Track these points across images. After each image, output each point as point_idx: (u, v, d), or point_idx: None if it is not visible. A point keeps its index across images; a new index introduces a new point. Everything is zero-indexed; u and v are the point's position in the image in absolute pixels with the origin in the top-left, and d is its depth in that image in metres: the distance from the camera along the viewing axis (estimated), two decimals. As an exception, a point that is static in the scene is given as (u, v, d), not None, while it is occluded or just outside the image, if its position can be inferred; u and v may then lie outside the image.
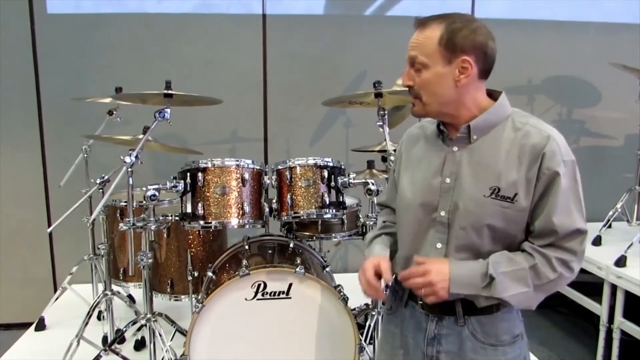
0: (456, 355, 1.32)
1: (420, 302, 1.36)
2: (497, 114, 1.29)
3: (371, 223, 2.15)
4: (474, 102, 1.29)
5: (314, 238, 2.36)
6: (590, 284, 2.85)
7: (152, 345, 2.06)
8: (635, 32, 3.59)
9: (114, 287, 2.56)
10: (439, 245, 1.31)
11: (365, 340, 2.19)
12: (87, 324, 2.37)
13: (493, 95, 1.32)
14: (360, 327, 2.28)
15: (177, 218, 2.11)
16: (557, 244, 1.22)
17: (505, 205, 1.23)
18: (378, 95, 2.21)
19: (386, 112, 2.21)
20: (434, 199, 1.31)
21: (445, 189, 1.30)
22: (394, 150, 2.14)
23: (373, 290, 1.34)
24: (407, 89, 1.32)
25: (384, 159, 2.15)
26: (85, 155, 2.70)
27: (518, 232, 1.26)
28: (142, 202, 2.03)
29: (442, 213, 1.30)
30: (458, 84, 1.25)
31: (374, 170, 2.53)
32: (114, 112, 2.76)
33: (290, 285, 1.93)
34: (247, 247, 2.23)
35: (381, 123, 2.18)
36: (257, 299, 1.93)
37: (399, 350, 1.42)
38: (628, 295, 2.61)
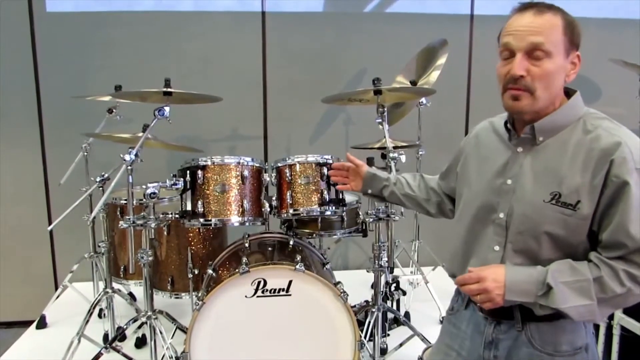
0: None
1: (479, 305, 1.29)
2: (566, 115, 1.22)
3: (371, 220, 2.15)
4: (559, 100, 1.23)
5: (314, 235, 2.36)
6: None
7: (152, 342, 2.07)
8: (635, 28, 3.58)
9: (115, 285, 2.57)
10: (496, 248, 1.26)
11: (365, 337, 2.20)
12: (88, 321, 2.38)
13: (569, 93, 1.26)
14: (360, 323, 2.28)
15: (177, 216, 2.11)
16: (627, 257, 1.13)
17: (566, 213, 1.16)
18: (377, 92, 2.21)
19: (385, 109, 2.21)
20: (494, 200, 1.27)
21: (505, 191, 1.26)
22: (394, 147, 2.15)
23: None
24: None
25: (384, 156, 2.15)
26: (85, 153, 2.71)
27: (580, 241, 1.18)
28: (142, 200, 2.04)
29: (501, 215, 1.26)
30: (567, 79, 1.21)
31: (374, 167, 2.53)
32: (114, 110, 2.77)
33: (290, 282, 1.94)
34: (247, 244, 2.23)
35: (381, 120, 2.18)
36: (257, 296, 1.93)
37: (455, 351, 1.40)
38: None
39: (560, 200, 1.17)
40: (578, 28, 1.20)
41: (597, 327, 2.78)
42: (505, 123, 1.30)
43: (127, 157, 1.95)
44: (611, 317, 2.71)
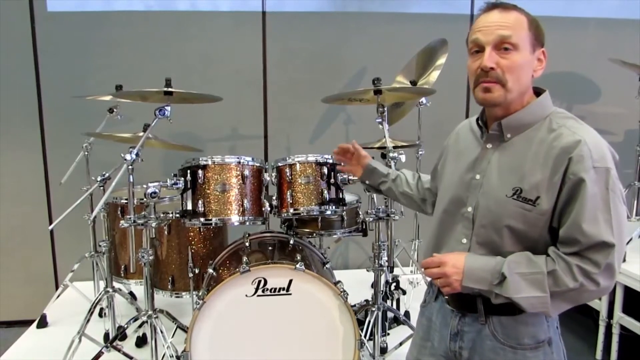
0: (475, 353, 1.31)
1: (446, 297, 1.36)
2: (533, 112, 1.25)
3: (371, 219, 2.15)
4: (527, 97, 1.27)
5: (314, 235, 2.37)
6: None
7: (153, 341, 2.07)
8: (634, 28, 3.59)
9: (115, 284, 2.57)
10: (464, 241, 1.31)
11: (365, 336, 2.20)
12: (88, 321, 2.38)
13: (538, 92, 1.30)
14: (360, 322, 2.29)
15: (177, 215, 2.11)
16: (582, 253, 1.16)
17: (526, 208, 1.20)
18: (377, 92, 2.21)
19: (385, 109, 2.21)
20: (463, 194, 1.32)
21: (474, 185, 1.30)
22: (394, 147, 2.15)
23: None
24: (487, 71, 1.21)
25: (384, 156, 2.16)
26: (86, 153, 2.71)
27: (540, 236, 1.22)
28: (142, 199, 2.04)
29: (469, 209, 1.30)
30: (534, 74, 1.25)
31: (376, 161, 2.53)
32: (115, 110, 2.77)
33: (291, 281, 1.94)
34: (247, 243, 2.24)
35: (380, 120, 2.18)
36: (258, 295, 1.94)
37: (427, 342, 1.44)
38: (627, 290, 2.62)
39: (521, 195, 1.21)
40: (541, 27, 1.26)
41: (596, 326, 2.80)
42: (477, 120, 1.36)
43: (127, 157, 1.95)
44: (610, 316, 2.72)
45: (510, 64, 1.21)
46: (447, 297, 1.36)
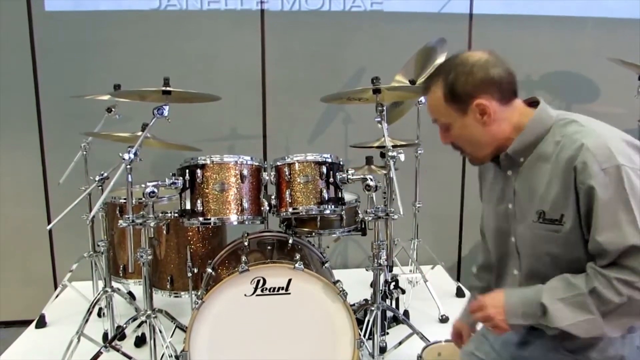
0: None
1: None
2: (534, 130, 1.22)
3: (370, 219, 2.15)
4: (513, 127, 1.24)
5: (313, 234, 2.36)
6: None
7: (152, 341, 2.07)
8: (633, 28, 3.59)
9: (114, 284, 2.56)
10: (515, 272, 1.29)
11: (364, 335, 2.20)
12: (87, 320, 2.38)
13: (533, 105, 1.28)
14: (360, 322, 2.28)
15: (176, 215, 2.11)
16: (617, 262, 1.10)
17: (554, 229, 1.16)
18: (376, 91, 2.21)
19: (384, 108, 2.21)
20: (504, 226, 1.31)
21: (510, 215, 1.29)
22: (393, 146, 2.15)
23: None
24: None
25: (383, 155, 2.16)
26: (84, 152, 2.70)
27: (581, 255, 1.16)
28: (141, 199, 2.03)
29: (513, 239, 1.29)
30: (485, 125, 1.22)
31: (373, 166, 2.53)
32: (113, 110, 2.76)
33: (290, 280, 1.94)
34: (246, 243, 2.24)
35: (380, 119, 2.18)
36: (257, 295, 1.93)
37: (489, 349, 1.40)
38: None
39: (546, 218, 1.18)
40: (463, 80, 1.20)
41: None
42: None
43: (126, 156, 1.95)
44: None
45: (454, 137, 1.28)
46: None
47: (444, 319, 2.81)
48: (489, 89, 1.20)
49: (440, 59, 2.68)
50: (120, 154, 1.95)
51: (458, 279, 3.44)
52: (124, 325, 2.30)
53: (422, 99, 2.85)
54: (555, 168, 1.16)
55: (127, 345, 2.44)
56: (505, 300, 1.18)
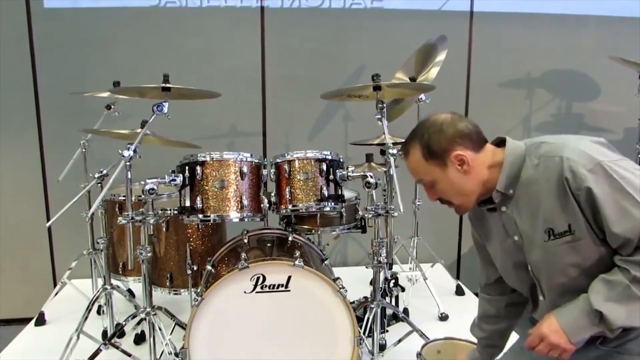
0: (580, 357, 1.29)
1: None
2: (513, 164, 1.31)
3: (370, 216, 2.14)
4: (490, 169, 1.34)
5: (313, 231, 2.36)
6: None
7: (151, 339, 2.06)
8: (634, 26, 3.58)
9: (114, 282, 2.56)
10: (540, 298, 1.37)
11: (364, 333, 2.20)
12: (86, 318, 2.37)
13: (501, 144, 1.37)
14: (359, 319, 2.28)
15: (176, 212, 2.10)
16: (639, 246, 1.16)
17: (568, 240, 1.22)
18: (377, 88, 2.20)
19: (385, 105, 2.20)
20: (518, 258, 1.38)
21: (519, 246, 1.36)
22: (393, 143, 2.15)
23: None
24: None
25: (383, 152, 2.15)
26: (84, 149, 2.70)
27: (601, 254, 1.22)
28: (140, 196, 2.03)
29: (529, 267, 1.36)
30: (466, 173, 1.32)
31: (373, 164, 2.53)
32: (112, 107, 2.76)
33: (289, 278, 1.94)
34: (246, 240, 2.23)
35: (380, 116, 2.17)
36: (256, 292, 1.93)
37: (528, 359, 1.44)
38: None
39: (555, 234, 1.24)
40: (436, 139, 1.32)
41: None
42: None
43: (125, 153, 1.94)
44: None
45: (441, 192, 1.37)
46: None
47: (443, 317, 2.81)
48: (461, 141, 1.32)
49: (441, 57, 2.68)
50: (120, 151, 1.95)
51: (458, 277, 3.44)
52: (124, 323, 2.29)
53: (423, 96, 2.85)
54: (546, 187, 1.23)
55: (127, 342, 2.44)
56: (560, 323, 1.22)
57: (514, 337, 1.67)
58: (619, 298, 1.16)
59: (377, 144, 2.46)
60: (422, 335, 2.32)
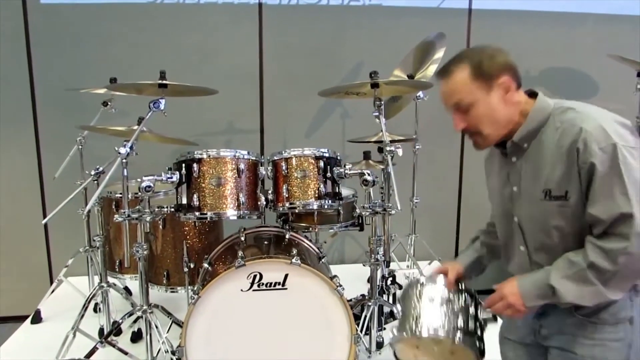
0: (555, 329, 1.40)
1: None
2: (536, 119, 1.34)
3: (367, 214, 2.14)
4: (520, 113, 1.35)
5: (310, 229, 2.35)
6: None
7: (148, 336, 2.06)
8: (633, 24, 3.58)
9: (110, 279, 2.55)
10: (522, 248, 1.41)
11: (361, 331, 2.20)
12: (83, 316, 2.37)
13: (532, 96, 1.38)
14: (357, 317, 2.28)
15: (172, 209, 2.09)
16: (609, 231, 1.22)
17: (561, 204, 1.28)
18: (374, 85, 2.19)
19: (382, 102, 2.20)
20: (509, 207, 1.43)
21: (515, 197, 1.40)
22: (390, 141, 2.14)
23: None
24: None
25: (380, 150, 2.14)
26: (80, 146, 2.68)
27: (585, 226, 1.27)
28: (137, 193, 2.02)
29: (516, 219, 1.41)
30: (506, 104, 1.33)
31: (370, 161, 2.52)
32: (109, 103, 2.74)
33: (286, 276, 1.93)
34: (243, 238, 2.23)
35: (377, 114, 2.16)
36: (253, 290, 1.92)
37: (515, 329, 1.54)
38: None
39: (552, 195, 1.30)
40: (488, 61, 1.33)
41: None
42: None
43: (122, 150, 1.93)
44: None
45: (475, 118, 1.34)
46: None
47: (441, 315, 2.80)
48: (509, 72, 1.33)
49: (439, 54, 2.67)
50: (116, 148, 1.93)
51: (455, 275, 3.44)
52: (120, 321, 2.28)
53: (421, 93, 2.84)
54: (558, 151, 1.27)
55: (123, 340, 2.43)
56: (519, 287, 1.32)
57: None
58: (574, 278, 1.25)
59: (375, 142, 2.45)
60: (419, 333, 2.32)
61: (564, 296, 1.26)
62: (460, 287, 1.50)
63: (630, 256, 1.20)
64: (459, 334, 1.39)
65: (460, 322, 1.41)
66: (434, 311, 1.45)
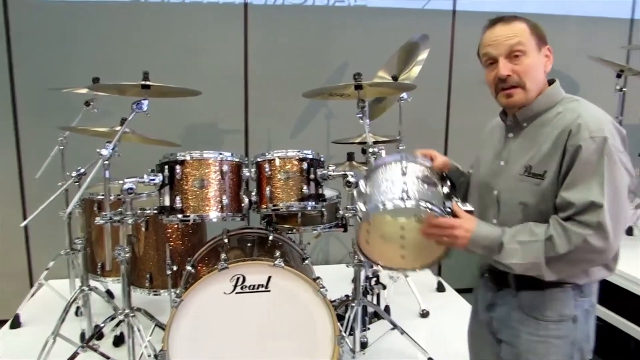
0: (503, 323, 1.44)
1: (486, 275, 1.51)
2: (544, 102, 1.38)
3: (351, 215, 2.14)
4: (541, 90, 1.39)
5: (294, 230, 2.34)
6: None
7: (130, 340, 2.04)
8: (613, 27, 3.64)
9: (92, 283, 2.52)
10: (494, 221, 1.44)
11: (345, 331, 2.20)
12: (63, 320, 2.33)
13: (551, 83, 1.43)
14: (341, 318, 2.28)
15: (155, 211, 2.07)
16: (575, 217, 1.25)
17: (536, 182, 1.32)
18: (358, 87, 2.20)
19: (366, 104, 2.20)
20: (491, 180, 1.46)
21: (500, 171, 1.44)
22: (374, 142, 2.14)
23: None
24: (502, 79, 1.36)
25: (364, 151, 2.14)
26: (61, 147, 2.64)
27: (549, 208, 1.31)
28: (119, 195, 1.99)
29: (495, 192, 1.44)
30: (545, 70, 1.40)
31: (354, 162, 2.53)
32: (91, 103, 2.70)
33: (270, 278, 1.92)
34: (226, 240, 2.21)
35: (361, 115, 2.17)
36: (236, 293, 1.91)
37: (476, 314, 1.60)
38: (602, 282, 2.67)
39: (531, 172, 1.34)
40: (541, 29, 1.41)
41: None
42: (501, 114, 1.51)
43: (104, 152, 1.91)
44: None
45: (524, 68, 1.35)
46: (486, 275, 1.50)
47: (424, 314, 2.83)
48: (550, 47, 1.41)
49: (423, 55, 2.68)
50: (98, 150, 1.91)
51: (439, 274, 3.46)
52: (102, 325, 2.25)
53: (405, 95, 2.85)
54: (552, 131, 1.32)
55: (105, 344, 2.40)
56: (474, 229, 1.33)
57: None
58: (526, 246, 1.28)
59: (359, 143, 2.46)
60: (403, 332, 2.33)
61: (505, 257, 1.29)
62: (443, 175, 1.49)
63: (586, 244, 1.23)
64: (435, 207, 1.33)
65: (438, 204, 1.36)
66: (416, 186, 1.40)
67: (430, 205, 1.33)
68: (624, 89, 3.18)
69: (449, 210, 1.36)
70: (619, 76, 3.17)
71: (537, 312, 1.37)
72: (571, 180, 1.26)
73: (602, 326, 2.79)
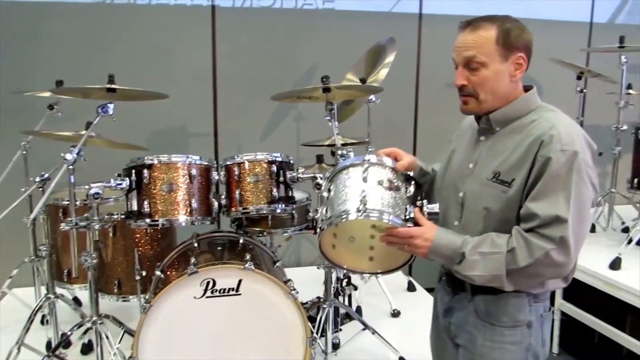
0: (460, 328, 1.44)
1: (444, 279, 1.49)
2: (518, 107, 1.36)
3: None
4: (514, 95, 1.37)
5: (265, 233, 2.35)
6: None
7: (99, 348, 2.00)
8: (573, 29, 3.77)
9: (59, 290, 2.46)
10: (455, 223, 1.42)
11: (317, 333, 2.22)
12: (28, 329, 2.27)
13: (527, 90, 1.40)
14: (312, 319, 2.30)
15: (122, 216, 2.05)
16: (538, 230, 1.24)
17: (502, 189, 1.30)
18: (326, 90, 2.22)
19: (334, 106, 2.22)
20: (458, 181, 1.43)
21: (467, 173, 1.41)
22: (343, 144, 2.17)
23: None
24: (459, 88, 1.36)
25: (333, 153, 2.17)
26: (24, 152, 2.57)
27: (512, 217, 1.30)
28: (85, 200, 1.96)
29: (460, 194, 1.41)
30: (513, 79, 1.35)
31: (324, 165, 2.55)
32: (55, 107, 2.64)
33: (240, 281, 1.92)
34: (196, 244, 2.20)
35: (329, 117, 2.19)
36: (207, 297, 1.91)
37: (436, 319, 1.58)
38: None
39: (499, 178, 1.32)
40: (517, 32, 1.35)
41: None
42: (475, 115, 1.46)
43: (68, 156, 1.87)
44: (552, 302, 2.86)
45: (479, 79, 1.33)
46: (444, 278, 1.49)
47: (395, 313, 2.87)
48: (527, 53, 1.36)
49: (390, 58, 2.72)
50: (63, 154, 1.87)
51: (410, 274, 3.51)
52: (69, 333, 2.20)
53: (373, 97, 2.88)
54: (524, 139, 1.30)
55: (73, 353, 2.35)
56: (434, 240, 1.32)
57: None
58: (487, 258, 1.27)
59: (328, 145, 2.48)
60: (374, 332, 2.36)
61: (466, 268, 1.28)
62: (408, 175, 1.46)
63: (547, 258, 1.23)
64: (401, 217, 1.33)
65: (405, 210, 1.35)
66: (377, 193, 1.37)
67: (387, 217, 1.31)
68: (584, 90, 3.30)
69: (410, 216, 1.35)
70: (579, 78, 3.28)
71: (492, 318, 1.36)
72: (538, 191, 1.24)
73: (567, 321, 2.89)
